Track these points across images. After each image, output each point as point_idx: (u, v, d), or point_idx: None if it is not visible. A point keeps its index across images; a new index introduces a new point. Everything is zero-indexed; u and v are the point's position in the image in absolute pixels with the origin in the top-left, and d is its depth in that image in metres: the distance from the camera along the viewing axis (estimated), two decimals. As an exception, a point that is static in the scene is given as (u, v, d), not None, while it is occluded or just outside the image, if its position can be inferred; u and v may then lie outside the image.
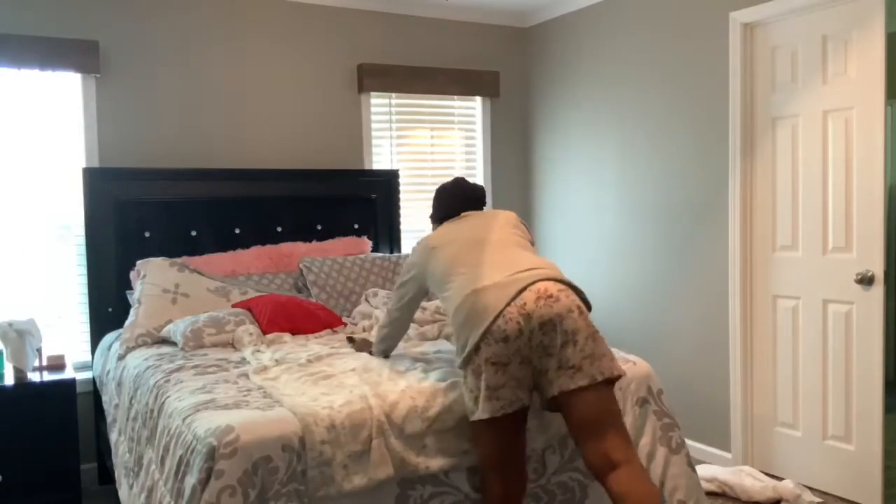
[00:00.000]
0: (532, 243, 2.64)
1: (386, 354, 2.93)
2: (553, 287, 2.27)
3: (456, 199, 2.76)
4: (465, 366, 2.30)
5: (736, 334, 3.91)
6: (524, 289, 2.25)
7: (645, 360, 3.05)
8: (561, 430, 2.61)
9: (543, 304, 2.22)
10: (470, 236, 2.54)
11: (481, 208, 2.81)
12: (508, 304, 2.22)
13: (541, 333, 2.23)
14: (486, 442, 2.31)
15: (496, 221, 2.63)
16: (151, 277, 3.66)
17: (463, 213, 2.75)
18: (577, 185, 4.89)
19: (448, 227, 2.68)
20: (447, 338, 3.43)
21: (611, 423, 2.25)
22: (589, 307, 2.37)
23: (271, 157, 4.47)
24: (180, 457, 2.25)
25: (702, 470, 3.67)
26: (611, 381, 2.28)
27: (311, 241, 4.35)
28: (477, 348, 2.24)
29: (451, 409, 2.45)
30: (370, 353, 2.98)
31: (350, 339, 3.18)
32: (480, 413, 2.25)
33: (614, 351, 3.07)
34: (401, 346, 3.20)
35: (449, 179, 2.87)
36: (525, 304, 2.23)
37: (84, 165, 3.98)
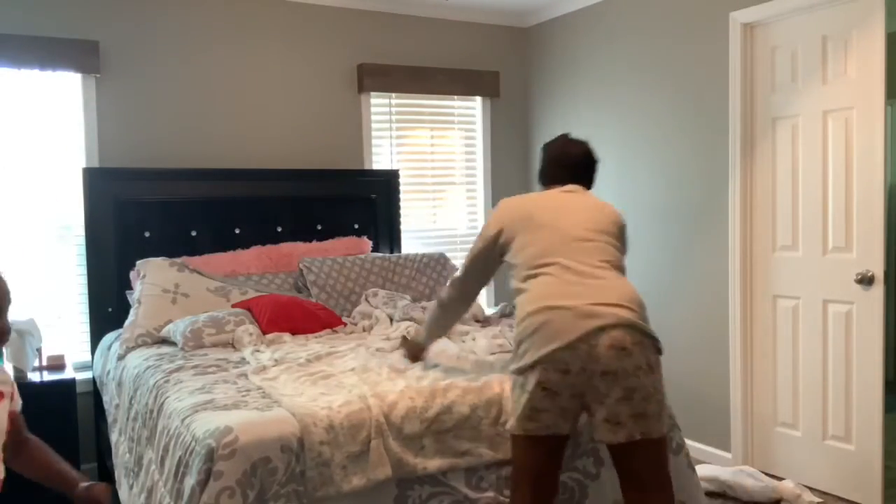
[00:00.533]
0: (624, 254, 2.46)
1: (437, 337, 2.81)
2: (629, 339, 2.13)
3: (563, 168, 2.58)
4: (517, 374, 2.24)
5: (736, 334, 3.91)
6: (602, 329, 2.12)
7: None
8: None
9: (614, 355, 2.10)
10: (571, 227, 2.35)
11: (591, 177, 2.62)
12: (580, 339, 2.12)
13: (601, 380, 2.13)
14: (519, 454, 2.28)
15: (602, 222, 2.41)
16: (151, 277, 3.66)
17: (570, 186, 2.55)
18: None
19: (553, 198, 2.49)
20: (448, 336, 3.43)
21: (650, 479, 2.21)
22: (660, 352, 2.25)
23: (271, 157, 4.47)
24: (179, 457, 2.26)
25: (702, 470, 3.66)
26: (655, 440, 2.20)
27: (311, 241, 4.35)
28: (533, 366, 2.17)
29: (449, 410, 2.45)
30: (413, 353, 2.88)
31: (405, 339, 3.00)
32: (516, 428, 2.23)
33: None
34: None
35: (557, 136, 2.67)
36: (597, 346, 2.11)
37: (84, 165, 3.98)
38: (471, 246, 2.61)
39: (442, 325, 2.79)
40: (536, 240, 2.35)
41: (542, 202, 2.47)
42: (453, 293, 2.67)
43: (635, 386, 2.13)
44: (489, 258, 2.53)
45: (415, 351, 2.89)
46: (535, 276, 2.29)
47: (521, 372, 2.21)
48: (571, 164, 2.58)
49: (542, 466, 2.26)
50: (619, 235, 2.46)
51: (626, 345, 2.12)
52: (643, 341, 2.16)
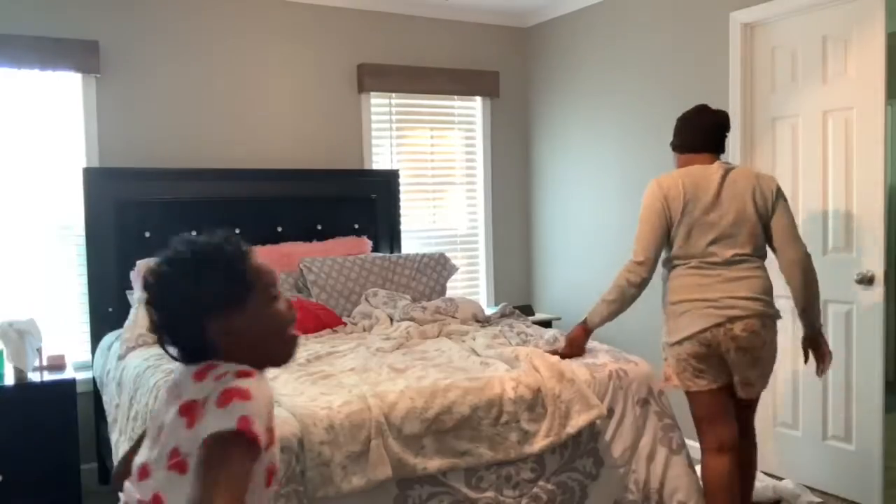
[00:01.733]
0: (792, 224, 2.80)
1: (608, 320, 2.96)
2: (759, 324, 2.70)
3: (707, 127, 2.86)
4: (670, 347, 2.78)
5: (736, 334, 3.90)
6: (738, 318, 2.67)
7: (646, 361, 3.04)
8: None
9: (747, 336, 2.67)
10: (725, 215, 2.71)
11: (724, 138, 2.89)
12: (722, 324, 2.67)
13: (736, 353, 2.70)
14: (698, 405, 2.80)
15: (747, 206, 2.74)
16: (151, 277, 3.65)
17: (719, 163, 2.80)
18: (578, 185, 4.89)
19: (700, 175, 2.76)
20: (448, 336, 3.43)
21: (752, 428, 2.98)
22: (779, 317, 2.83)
23: (271, 157, 4.47)
24: (179, 457, 2.25)
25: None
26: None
27: (311, 241, 4.34)
28: (682, 342, 2.71)
29: (449, 410, 2.45)
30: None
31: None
32: (694, 386, 2.76)
33: (614, 350, 3.09)
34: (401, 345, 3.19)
35: (692, 108, 2.94)
36: (733, 329, 2.67)
37: (84, 165, 3.98)
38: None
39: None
40: (697, 227, 2.74)
41: (691, 183, 2.75)
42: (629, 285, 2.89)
43: (761, 356, 2.74)
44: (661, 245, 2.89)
45: (578, 344, 3.02)
46: (690, 258, 2.76)
47: (674, 345, 2.76)
48: (709, 126, 2.87)
49: (716, 408, 2.78)
50: (771, 208, 2.78)
51: (757, 328, 2.69)
52: (769, 324, 2.75)
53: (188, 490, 1.16)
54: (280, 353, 1.36)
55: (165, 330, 1.33)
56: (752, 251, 2.73)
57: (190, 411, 1.23)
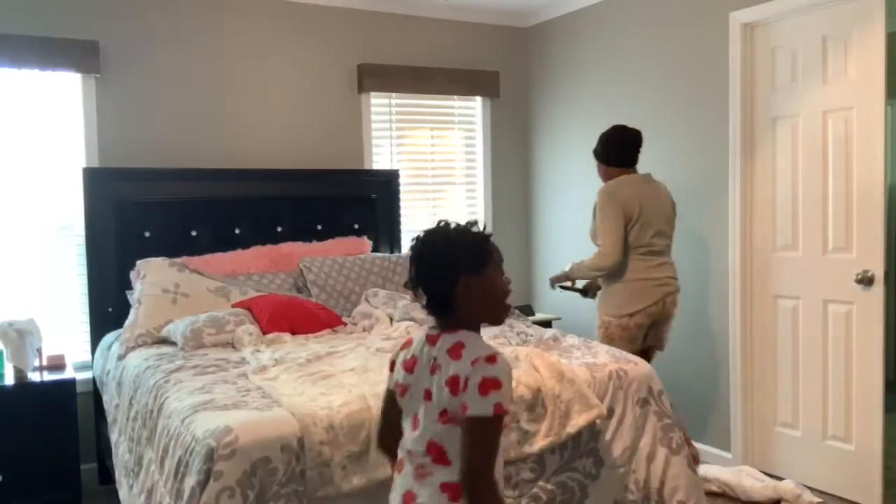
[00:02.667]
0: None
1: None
2: (678, 297, 3.61)
3: (631, 146, 3.59)
4: (619, 318, 3.48)
5: (736, 334, 3.91)
6: (670, 293, 3.54)
7: (646, 361, 3.05)
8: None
9: (673, 308, 3.59)
10: (656, 215, 3.51)
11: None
12: (663, 299, 3.51)
13: (664, 320, 3.59)
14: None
15: (668, 208, 3.60)
16: (151, 277, 3.66)
17: (641, 172, 3.61)
18: (577, 185, 4.89)
19: (637, 185, 3.53)
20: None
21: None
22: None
23: (271, 157, 4.47)
24: (179, 458, 2.26)
25: (702, 470, 3.66)
26: None
27: (311, 241, 4.34)
28: (633, 314, 3.46)
29: (450, 410, 2.45)
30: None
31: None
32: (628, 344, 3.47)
33: (614, 350, 3.10)
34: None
35: (615, 126, 3.63)
36: (666, 302, 3.53)
37: (84, 165, 3.98)
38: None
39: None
40: (644, 227, 3.48)
41: (632, 193, 3.48)
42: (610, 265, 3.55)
43: (670, 325, 3.65)
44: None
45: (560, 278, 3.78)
46: (640, 249, 3.49)
47: (625, 315, 3.48)
48: (634, 143, 3.60)
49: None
50: (673, 213, 3.65)
51: (677, 300, 3.60)
52: (678, 296, 3.63)
53: (456, 432, 1.66)
54: (498, 316, 1.80)
55: (423, 282, 1.76)
56: (670, 242, 3.61)
57: (454, 384, 1.67)
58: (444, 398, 1.68)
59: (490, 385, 1.63)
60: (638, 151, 3.60)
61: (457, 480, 1.67)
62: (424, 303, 1.78)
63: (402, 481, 1.77)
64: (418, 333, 1.86)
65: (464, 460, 1.64)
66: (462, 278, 1.72)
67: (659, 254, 3.52)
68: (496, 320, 1.80)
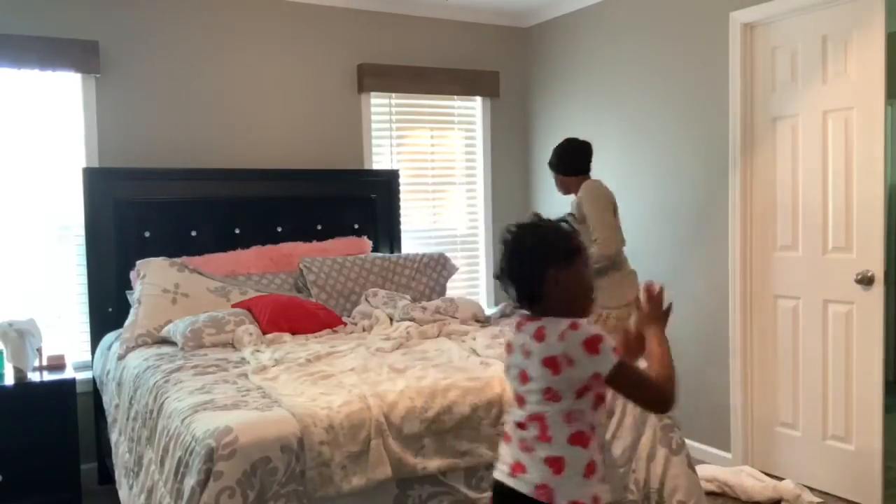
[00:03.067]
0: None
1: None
2: None
3: (587, 155, 3.78)
4: (615, 310, 3.54)
5: (736, 334, 3.91)
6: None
7: (646, 361, 3.04)
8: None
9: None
10: (617, 215, 3.74)
11: None
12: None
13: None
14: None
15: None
16: (151, 277, 3.66)
17: (597, 179, 3.80)
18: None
19: (603, 186, 3.74)
20: (448, 336, 3.43)
21: None
22: None
23: (271, 157, 4.46)
24: (179, 458, 2.26)
25: (702, 470, 3.66)
26: None
27: (311, 241, 4.34)
28: (623, 307, 3.52)
29: (449, 410, 2.45)
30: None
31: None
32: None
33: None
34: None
35: (567, 139, 3.81)
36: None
37: (84, 165, 3.98)
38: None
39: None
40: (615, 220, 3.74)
41: (607, 193, 3.74)
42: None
43: None
44: None
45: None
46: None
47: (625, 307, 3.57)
48: (589, 155, 3.81)
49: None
50: None
51: None
52: None
53: (561, 413, 1.77)
54: (583, 308, 1.85)
55: (512, 274, 1.83)
56: None
57: (552, 363, 1.74)
58: (547, 378, 1.76)
59: (590, 344, 1.72)
60: (591, 160, 3.79)
61: (557, 454, 1.77)
62: (513, 294, 1.85)
63: (509, 450, 1.87)
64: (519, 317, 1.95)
65: (641, 402, 1.83)
66: (552, 271, 1.79)
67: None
68: (583, 312, 1.85)
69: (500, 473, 1.89)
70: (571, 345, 1.72)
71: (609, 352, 1.72)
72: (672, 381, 1.79)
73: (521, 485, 1.82)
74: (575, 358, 1.72)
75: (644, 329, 1.93)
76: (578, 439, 1.78)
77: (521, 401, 1.85)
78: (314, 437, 2.23)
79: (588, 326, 1.75)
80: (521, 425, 1.84)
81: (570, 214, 3.77)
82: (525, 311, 1.88)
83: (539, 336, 1.79)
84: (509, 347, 1.92)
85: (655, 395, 1.77)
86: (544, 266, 1.79)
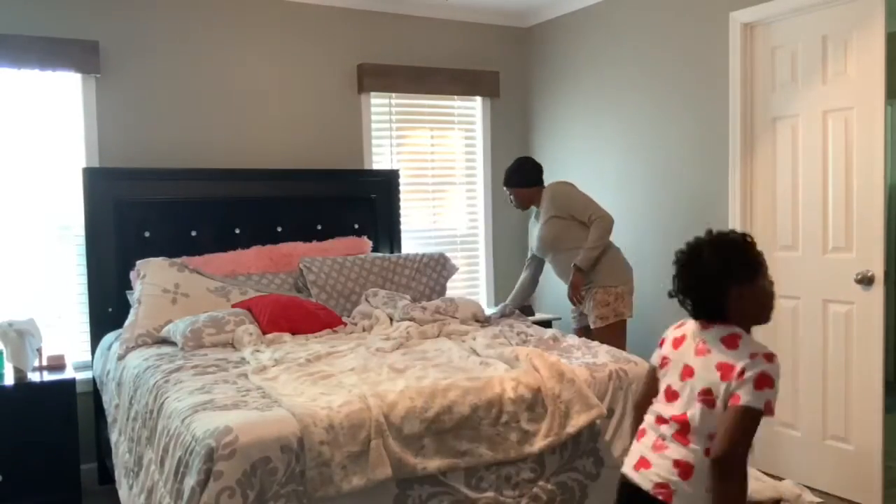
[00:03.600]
0: None
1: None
2: None
3: (540, 168, 4.10)
4: (624, 284, 3.89)
5: (736, 334, 3.90)
6: None
7: (646, 361, 3.04)
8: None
9: None
10: None
11: None
12: None
13: None
14: (623, 331, 3.85)
15: None
16: (151, 277, 3.66)
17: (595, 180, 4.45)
18: (577, 185, 4.88)
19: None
20: (448, 336, 3.43)
21: None
22: None
23: (271, 157, 4.46)
24: (179, 458, 2.26)
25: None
26: None
27: (311, 241, 4.34)
28: (628, 281, 3.93)
29: (449, 410, 2.45)
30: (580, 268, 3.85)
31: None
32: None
33: (613, 350, 3.10)
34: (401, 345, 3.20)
35: (519, 158, 4.18)
36: None
37: (84, 165, 3.98)
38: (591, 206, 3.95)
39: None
40: None
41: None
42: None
43: None
44: None
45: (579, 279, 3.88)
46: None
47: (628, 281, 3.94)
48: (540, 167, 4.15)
49: None
50: None
51: None
52: None
53: (711, 419, 1.78)
54: (766, 318, 1.90)
55: (689, 293, 1.89)
56: None
57: (725, 369, 1.78)
58: (712, 379, 1.80)
59: (766, 382, 1.74)
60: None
61: (690, 460, 1.81)
62: (690, 310, 1.90)
63: (639, 448, 1.93)
64: (691, 320, 1.97)
65: (722, 445, 1.74)
66: (734, 288, 1.83)
67: None
68: (765, 321, 1.90)
69: (627, 467, 1.95)
70: (755, 367, 1.75)
71: (764, 399, 1.74)
72: (738, 481, 1.76)
73: (642, 480, 1.87)
74: (746, 377, 1.75)
75: None
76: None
77: (673, 396, 1.90)
78: (314, 437, 2.23)
79: (777, 368, 1.77)
80: (663, 420, 1.89)
81: (554, 217, 3.95)
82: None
83: (730, 343, 1.82)
84: (678, 341, 1.95)
85: (731, 455, 1.74)
86: (725, 285, 1.83)
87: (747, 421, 1.73)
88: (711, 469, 1.77)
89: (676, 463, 1.82)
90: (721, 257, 1.86)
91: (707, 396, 1.80)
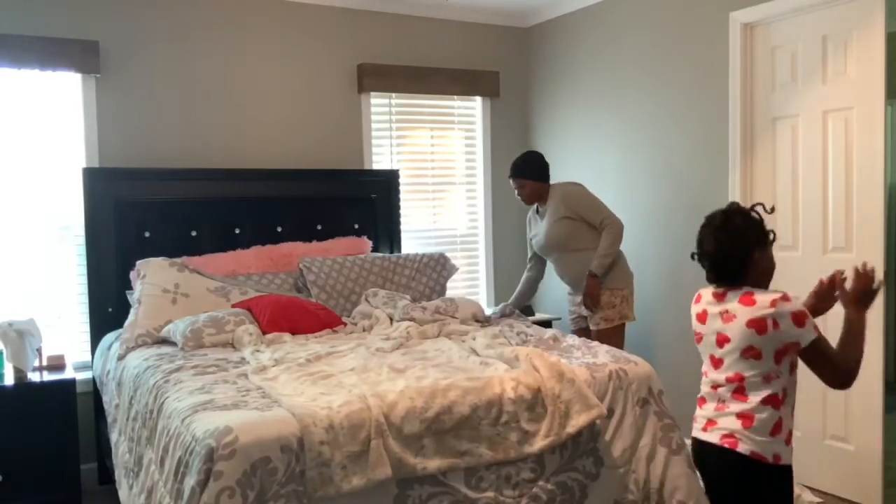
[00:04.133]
0: None
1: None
2: None
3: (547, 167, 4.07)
4: (628, 287, 3.92)
5: (736, 334, 3.90)
6: None
7: (646, 361, 3.05)
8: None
9: None
10: None
11: None
12: None
13: None
14: (621, 334, 3.89)
15: None
16: (151, 277, 3.66)
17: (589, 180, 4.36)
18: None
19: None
20: (448, 336, 3.43)
21: None
22: None
23: (271, 157, 4.47)
24: (179, 458, 2.26)
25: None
26: None
27: (311, 241, 4.34)
28: (630, 283, 3.95)
29: (449, 410, 2.45)
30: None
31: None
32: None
33: (614, 350, 3.10)
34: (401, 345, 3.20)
35: (529, 151, 4.16)
36: None
37: (84, 165, 3.98)
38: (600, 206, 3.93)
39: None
40: None
41: None
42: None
43: None
44: None
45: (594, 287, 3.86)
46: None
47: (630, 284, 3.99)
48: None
49: None
50: None
51: None
52: None
53: (759, 368, 2.09)
54: (767, 283, 2.21)
55: (718, 253, 2.16)
56: None
57: (758, 324, 2.05)
58: (752, 338, 2.06)
59: (799, 317, 2.03)
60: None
61: (749, 411, 2.09)
62: (712, 273, 2.18)
63: (703, 413, 2.23)
64: (703, 290, 2.27)
65: (828, 379, 2.10)
66: (757, 251, 2.13)
67: None
68: (765, 286, 2.19)
69: (696, 430, 2.24)
70: (781, 312, 2.02)
71: (811, 327, 2.02)
72: (858, 364, 2.06)
73: (711, 436, 2.16)
74: (782, 324, 2.02)
75: (846, 306, 2.18)
76: (771, 400, 2.07)
77: (718, 363, 2.16)
78: (314, 437, 2.23)
79: (797, 301, 2.05)
80: (716, 386, 2.16)
81: (565, 218, 3.89)
82: (717, 288, 2.19)
83: (747, 301, 2.08)
84: (701, 317, 2.22)
85: (840, 373, 2.06)
86: (752, 247, 2.12)
87: (817, 352, 2.05)
88: (843, 388, 2.12)
89: (739, 415, 2.10)
90: (750, 223, 2.14)
91: (751, 351, 2.06)
